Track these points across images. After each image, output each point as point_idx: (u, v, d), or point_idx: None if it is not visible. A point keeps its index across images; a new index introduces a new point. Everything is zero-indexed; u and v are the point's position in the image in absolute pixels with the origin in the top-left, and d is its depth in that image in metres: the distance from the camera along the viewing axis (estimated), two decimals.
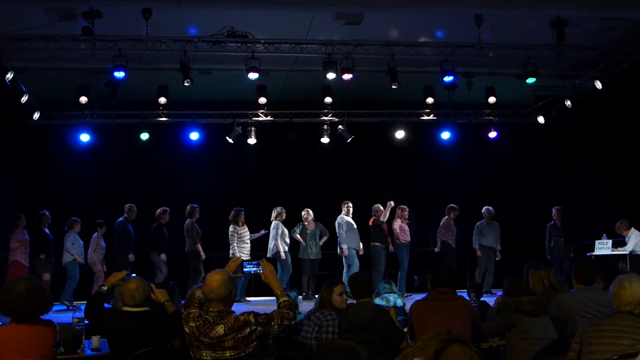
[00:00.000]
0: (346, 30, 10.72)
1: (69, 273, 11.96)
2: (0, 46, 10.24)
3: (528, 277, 6.23)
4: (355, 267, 12.43)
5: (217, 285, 4.42)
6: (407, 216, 12.93)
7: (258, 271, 5.07)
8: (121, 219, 12.27)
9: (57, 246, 12.06)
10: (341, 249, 12.61)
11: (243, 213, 12.33)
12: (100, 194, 13.64)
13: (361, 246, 12.70)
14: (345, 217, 12.75)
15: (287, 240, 12.55)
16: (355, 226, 12.68)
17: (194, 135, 13.68)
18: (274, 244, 12.41)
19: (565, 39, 10.46)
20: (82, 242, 12.23)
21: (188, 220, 12.14)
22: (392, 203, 12.63)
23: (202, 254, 11.96)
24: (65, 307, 11.50)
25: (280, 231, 12.48)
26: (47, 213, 12.02)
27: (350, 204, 12.88)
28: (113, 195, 13.43)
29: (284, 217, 12.61)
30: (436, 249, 13.18)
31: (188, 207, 12.19)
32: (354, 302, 5.72)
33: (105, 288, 5.37)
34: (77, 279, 12.00)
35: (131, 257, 12.11)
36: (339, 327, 5.47)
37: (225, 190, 14.33)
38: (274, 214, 12.63)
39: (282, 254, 12.34)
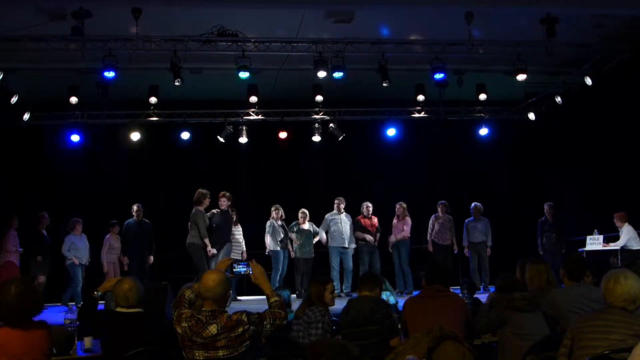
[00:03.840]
0: (337, 28, 10.72)
1: (70, 275, 11.90)
2: None
3: (523, 272, 6.23)
4: (334, 266, 12.47)
5: (214, 285, 4.43)
6: (402, 213, 12.92)
7: (248, 272, 5.05)
8: (130, 220, 12.20)
9: (52, 247, 11.94)
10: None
11: (235, 213, 12.31)
12: (91, 195, 13.55)
13: (347, 244, 12.57)
14: (332, 214, 12.72)
15: (280, 237, 12.46)
16: (342, 224, 12.62)
17: (185, 135, 13.66)
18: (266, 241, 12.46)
19: (555, 35, 10.50)
20: (83, 243, 12.07)
21: (195, 208, 10.94)
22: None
23: (210, 247, 10.77)
24: (67, 308, 11.43)
25: (271, 229, 12.46)
26: (46, 215, 11.94)
27: (339, 201, 12.74)
28: (104, 195, 13.40)
29: (278, 214, 12.53)
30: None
31: (197, 192, 11.03)
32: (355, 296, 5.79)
33: (99, 293, 5.35)
34: (79, 280, 11.88)
35: (125, 259, 12.07)
36: (341, 321, 5.53)
37: (217, 190, 14.28)
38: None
39: (268, 251, 12.34)
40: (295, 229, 12.60)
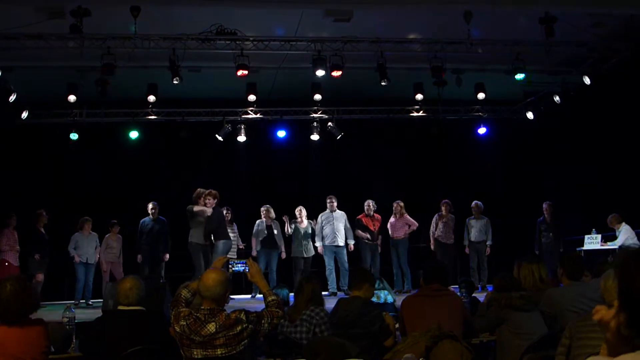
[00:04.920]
0: (335, 27, 10.74)
1: (75, 272, 11.97)
2: None
3: (519, 271, 6.24)
4: (328, 264, 12.45)
5: (213, 284, 4.43)
6: (399, 211, 12.90)
7: (245, 270, 5.07)
8: (146, 218, 12.24)
9: (52, 246, 11.92)
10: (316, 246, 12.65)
11: (230, 211, 12.31)
12: (89, 193, 13.57)
13: (339, 242, 12.44)
14: (324, 214, 12.64)
15: (262, 237, 12.44)
16: (335, 221, 12.50)
17: (184, 134, 13.64)
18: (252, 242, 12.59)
19: (554, 35, 10.50)
20: (88, 242, 12.05)
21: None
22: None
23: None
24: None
25: (255, 229, 12.54)
26: (44, 213, 11.88)
27: (330, 199, 12.61)
28: (103, 194, 13.40)
29: (267, 214, 12.55)
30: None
31: (195, 192, 11.22)
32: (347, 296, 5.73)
33: None
34: (80, 278, 11.89)
35: (139, 258, 12.10)
36: (329, 321, 5.47)
37: (214, 188, 14.28)
38: None
39: (253, 251, 12.40)
40: (292, 229, 12.52)
